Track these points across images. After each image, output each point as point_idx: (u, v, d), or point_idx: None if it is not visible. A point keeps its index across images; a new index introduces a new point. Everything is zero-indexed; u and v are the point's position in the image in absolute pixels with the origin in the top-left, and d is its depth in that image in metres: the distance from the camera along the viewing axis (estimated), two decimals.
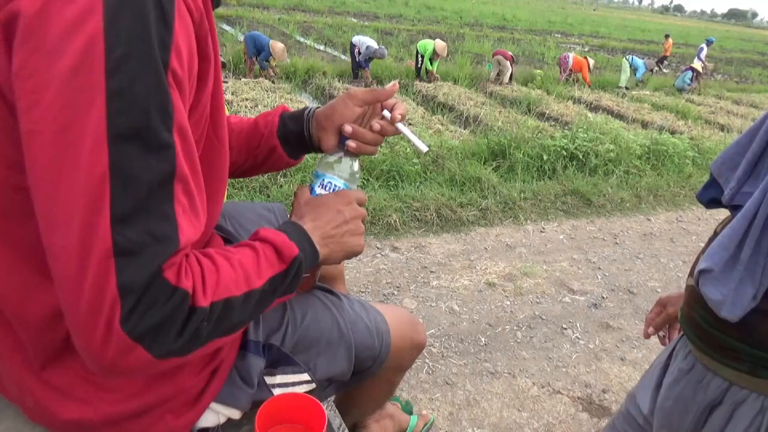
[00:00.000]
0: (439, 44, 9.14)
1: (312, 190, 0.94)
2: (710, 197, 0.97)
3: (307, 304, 1.04)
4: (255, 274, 0.73)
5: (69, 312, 0.61)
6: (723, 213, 0.98)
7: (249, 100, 6.76)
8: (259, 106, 6.51)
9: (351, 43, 8.97)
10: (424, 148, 1.00)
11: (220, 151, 0.81)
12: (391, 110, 0.95)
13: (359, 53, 8.65)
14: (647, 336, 1.26)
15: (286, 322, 0.98)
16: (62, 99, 0.56)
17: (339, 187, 0.93)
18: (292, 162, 1.08)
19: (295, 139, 1.04)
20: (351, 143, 0.94)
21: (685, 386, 0.99)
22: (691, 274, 0.99)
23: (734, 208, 0.89)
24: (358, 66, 8.83)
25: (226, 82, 7.39)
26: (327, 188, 0.93)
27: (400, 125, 0.95)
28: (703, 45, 13.04)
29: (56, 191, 0.58)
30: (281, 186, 3.69)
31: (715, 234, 0.95)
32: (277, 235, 0.79)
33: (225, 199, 2.00)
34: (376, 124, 0.95)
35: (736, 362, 0.90)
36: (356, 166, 0.96)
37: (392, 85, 0.97)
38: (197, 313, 0.65)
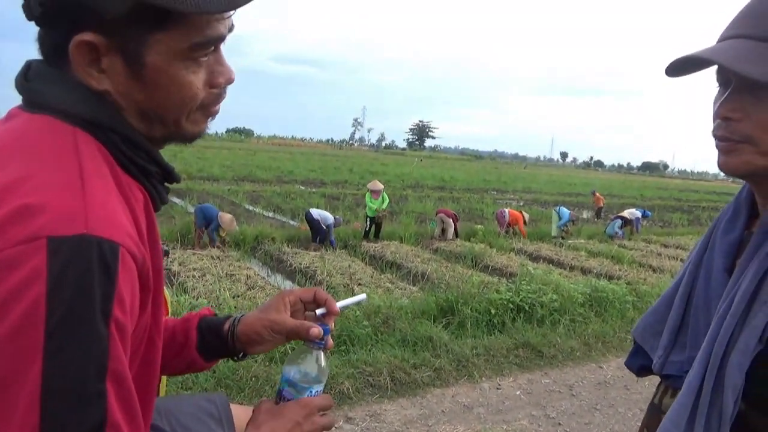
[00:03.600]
0: (370, 183, 10.41)
1: (280, 391, 0.92)
2: (639, 365, 0.97)
3: None
4: None
5: None
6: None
7: (197, 269, 6.75)
8: (207, 275, 6.49)
9: (309, 214, 9.21)
10: (363, 296, 1.06)
11: (155, 355, 0.80)
12: (324, 303, 0.98)
13: (323, 225, 8.97)
14: None
15: None
16: (1, 359, 0.56)
17: (311, 389, 0.91)
18: (211, 365, 1.08)
19: (216, 350, 1.04)
20: (330, 341, 0.95)
21: None
22: None
23: (666, 377, 0.90)
24: (319, 233, 9.02)
25: (174, 254, 7.39)
26: (296, 388, 0.91)
27: (339, 305, 0.99)
28: (639, 215, 13.25)
29: None
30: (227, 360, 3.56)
31: (653, 404, 0.95)
32: None
33: (164, 386, 1.91)
34: (317, 328, 0.94)
35: None
36: (323, 360, 0.95)
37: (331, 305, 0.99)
38: None
